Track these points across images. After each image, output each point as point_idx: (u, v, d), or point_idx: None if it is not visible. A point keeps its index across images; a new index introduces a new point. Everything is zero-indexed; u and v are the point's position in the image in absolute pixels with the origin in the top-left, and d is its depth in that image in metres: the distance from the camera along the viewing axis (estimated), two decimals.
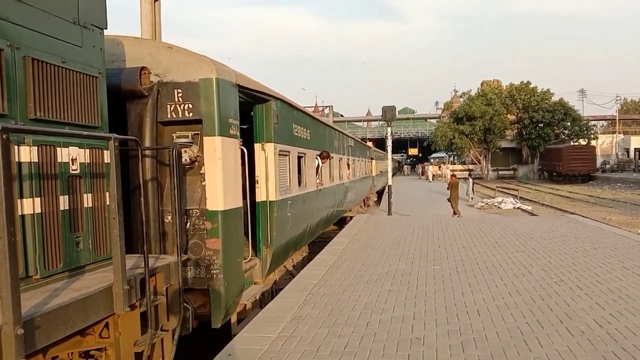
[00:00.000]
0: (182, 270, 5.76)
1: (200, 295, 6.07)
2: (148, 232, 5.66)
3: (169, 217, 5.79)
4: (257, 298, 7.58)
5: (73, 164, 4.27)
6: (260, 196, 7.72)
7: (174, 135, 6.01)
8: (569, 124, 65.19)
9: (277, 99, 8.19)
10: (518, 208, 28.15)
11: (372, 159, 29.88)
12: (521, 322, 5.99)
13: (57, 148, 4.08)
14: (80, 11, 4.46)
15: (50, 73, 4.08)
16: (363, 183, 24.15)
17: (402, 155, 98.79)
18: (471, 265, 9.26)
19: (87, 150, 4.45)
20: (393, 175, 28.23)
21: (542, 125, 64.38)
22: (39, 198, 3.87)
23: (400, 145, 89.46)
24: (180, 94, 5.87)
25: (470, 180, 34.31)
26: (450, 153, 71.97)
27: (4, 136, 2.84)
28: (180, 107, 5.88)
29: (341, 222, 17.26)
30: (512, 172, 68.82)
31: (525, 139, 66.08)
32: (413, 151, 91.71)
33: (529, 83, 66.31)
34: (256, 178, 7.73)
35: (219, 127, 5.90)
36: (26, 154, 3.78)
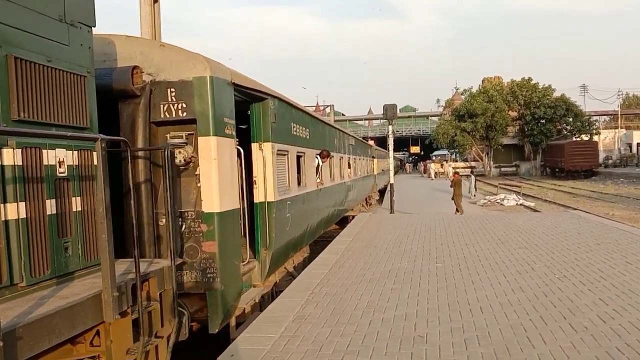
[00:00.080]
0: (177, 274, 5.60)
1: (197, 299, 5.94)
2: (142, 235, 5.55)
3: (164, 220, 5.65)
4: (257, 301, 7.44)
5: (60, 167, 4.13)
6: (258, 197, 7.57)
7: (168, 135, 5.88)
8: (570, 119, 65.03)
9: (275, 97, 8.05)
10: (521, 205, 28.09)
11: (373, 157, 29.82)
12: (524, 319, 5.96)
13: (43, 150, 3.94)
14: (67, 8, 4.31)
15: (34, 72, 3.94)
16: (365, 182, 24.07)
17: (403, 154, 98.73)
18: (474, 263, 9.22)
19: (76, 152, 4.31)
20: (395, 174, 28.24)
21: (544, 121, 64.25)
22: (24, 202, 3.73)
23: (401, 143, 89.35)
24: (173, 93, 5.73)
25: (473, 177, 34.28)
26: (452, 150, 71.88)
27: None
28: (173, 106, 5.74)
29: (343, 222, 17.22)
30: (514, 168, 68.66)
31: (527, 135, 65.93)
32: (415, 149, 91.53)
33: (530, 79, 66.15)
34: (254, 178, 7.59)
35: (213, 127, 5.76)
36: (9, 156, 3.64)
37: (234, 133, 6.39)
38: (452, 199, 21.89)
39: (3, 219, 3.55)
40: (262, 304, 7.72)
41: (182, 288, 5.75)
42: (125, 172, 5.48)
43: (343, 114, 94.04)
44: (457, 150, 69.02)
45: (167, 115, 5.76)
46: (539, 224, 14.30)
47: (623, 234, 11.86)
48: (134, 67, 5.63)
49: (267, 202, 7.60)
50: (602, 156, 65.28)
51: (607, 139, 74.44)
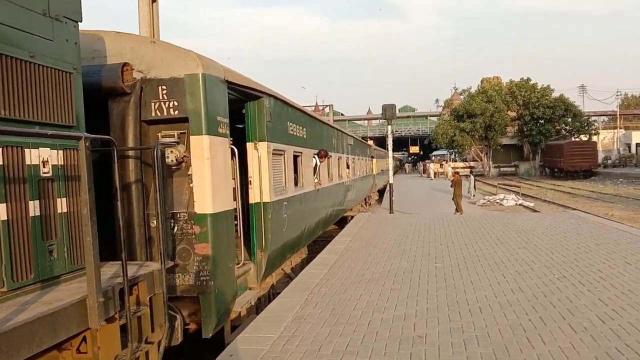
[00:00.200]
0: (169, 277, 5.46)
1: (191, 302, 5.80)
2: (132, 237, 5.43)
3: (155, 222, 5.49)
4: (253, 304, 7.28)
5: (44, 167, 3.96)
6: (253, 198, 7.41)
7: (159, 134, 5.73)
8: (569, 119, 65.01)
9: (270, 95, 7.89)
10: (520, 205, 28.08)
11: (372, 157, 29.77)
12: (524, 319, 5.95)
13: (26, 149, 3.77)
14: (51, 2, 4.14)
15: (16, 68, 3.77)
16: (363, 182, 24.01)
17: (403, 154, 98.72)
18: (473, 263, 9.21)
19: (61, 152, 4.14)
20: (394, 174, 28.22)
21: (542, 121, 64.23)
22: (5, 204, 3.56)
23: (401, 143, 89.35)
24: (164, 91, 5.57)
25: (472, 177, 34.27)
26: (452, 150, 71.86)
27: None
28: (165, 104, 5.59)
29: (342, 222, 17.20)
30: (513, 168, 68.66)
31: (526, 135, 65.92)
32: (414, 149, 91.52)
33: (529, 79, 66.11)
34: (249, 179, 7.45)
35: (206, 126, 5.60)
36: None
37: (228, 132, 6.26)
38: (453, 199, 21.88)
39: None
40: (258, 307, 7.59)
41: (175, 291, 5.62)
42: (113, 172, 5.33)
43: (342, 114, 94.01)
44: (456, 150, 69.00)
45: (159, 114, 5.61)
46: (538, 224, 14.33)
47: (622, 234, 11.85)
48: (124, 64, 5.49)
49: (263, 202, 7.46)
50: (601, 156, 65.32)
51: (606, 139, 74.47)
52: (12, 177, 3.66)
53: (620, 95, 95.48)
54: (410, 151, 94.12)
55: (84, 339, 3.93)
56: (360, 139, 28.13)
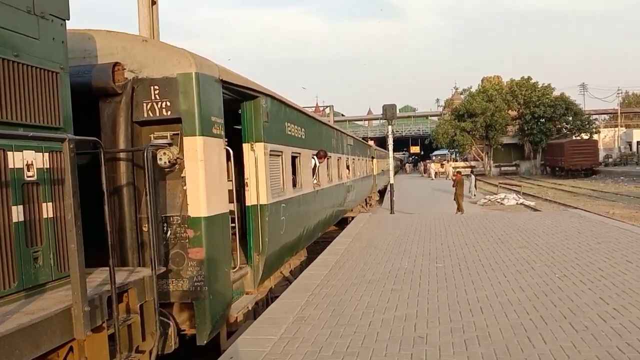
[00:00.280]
0: (163, 282, 5.33)
1: (185, 308, 5.65)
2: (124, 242, 5.31)
3: (147, 226, 5.30)
4: (250, 309, 7.12)
5: (29, 170, 3.80)
6: (250, 200, 7.25)
7: (152, 136, 5.57)
8: (570, 118, 64.96)
9: (267, 95, 7.73)
10: (521, 204, 28.04)
11: (373, 157, 29.75)
12: (525, 319, 5.94)
13: (8, 152, 3.61)
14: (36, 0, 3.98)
15: None
16: (364, 182, 23.96)
17: (403, 154, 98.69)
18: (474, 262, 9.20)
19: (46, 154, 3.98)
20: (395, 174, 28.21)
21: (543, 120, 64.16)
22: None
23: (401, 143, 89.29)
24: (157, 91, 5.42)
25: (473, 176, 34.23)
26: (452, 150, 71.84)
27: None
28: (157, 105, 5.43)
29: (343, 223, 17.18)
30: (514, 168, 68.59)
31: (527, 134, 65.86)
32: (415, 149, 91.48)
33: (529, 78, 66.07)
34: (245, 180, 7.29)
35: (200, 126, 5.44)
36: None
37: (223, 133, 6.10)
38: (454, 198, 21.85)
39: None
40: (256, 311, 7.46)
41: (168, 297, 5.48)
42: (109, 175, 5.19)
43: (343, 115, 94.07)
44: (457, 150, 68.97)
45: (151, 114, 5.46)
46: (539, 223, 14.33)
47: (623, 233, 11.83)
48: (115, 64, 5.36)
49: (260, 205, 7.30)
50: (602, 155, 65.20)
51: (607, 138, 74.35)
52: None
53: (621, 93, 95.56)
54: (411, 151, 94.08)
55: (72, 349, 3.77)
56: (360, 139, 28.12)
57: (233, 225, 7.83)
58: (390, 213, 20.63)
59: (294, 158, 9.72)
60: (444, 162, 65.92)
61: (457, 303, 6.68)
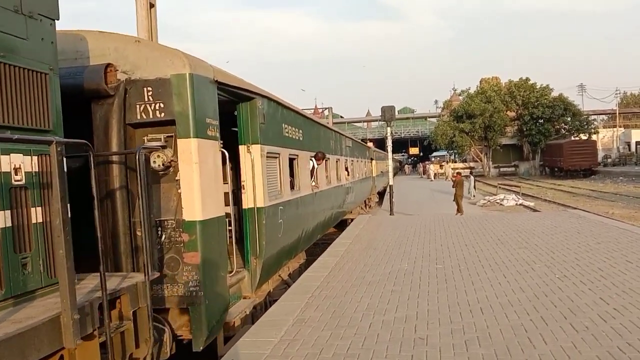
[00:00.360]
0: (157, 288, 5.24)
1: (181, 314, 5.55)
2: (117, 247, 5.21)
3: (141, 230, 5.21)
4: (248, 313, 7.00)
5: (16, 174, 3.69)
6: (246, 203, 7.13)
7: (145, 138, 5.47)
8: (569, 119, 64.99)
9: (263, 96, 7.63)
10: (520, 204, 28.03)
11: (372, 159, 29.74)
12: (525, 319, 5.93)
13: None
14: None
15: None
16: (363, 184, 23.93)
17: (402, 155, 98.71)
18: (474, 263, 9.19)
19: (35, 158, 3.86)
20: (394, 175, 28.22)
21: (542, 121, 64.19)
22: None
23: (400, 144, 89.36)
24: (150, 93, 5.32)
25: (472, 177, 34.24)
26: (451, 151, 71.88)
27: None
28: (150, 106, 5.32)
29: (342, 225, 17.17)
30: (513, 168, 68.62)
31: (526, 135, 65.90)
32: (414, 150, 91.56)
33: (527, 79, 66.11)
34: (242, 183, 7.18)
35: (194, 128, 5.34)
36: None
37: (218, 135, 6.01)
38: (454, 199, 21.84)
39: None
40: (254, 315, 7.37)
41: (163, 303, 5.38)
42: (101, 179, 5.12)
43: (341, 116, 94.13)
44: (456, 151, 69.01)
45: (144, 116, 5.36)
46: (539, 223, 14.35)
47: (623, 233, 11.83)
48: (108, 65, 5.27)
49: (257, 208, 7.19)
50: (600, 155, 65.24)
51: (605, 138, 74.41)
52: None
53: (620, 93, 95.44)
54: (410, 152, 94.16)
55: (62, 357, 3.67)
56: (359, 140, 28.13)
57: (230, 228, 7.71)
58: (390, 214, 20.63)
59: (291, 160, 9.62)
60: (443, 164, 65.91)
61: (457, 304, 6.67)
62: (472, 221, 15.73)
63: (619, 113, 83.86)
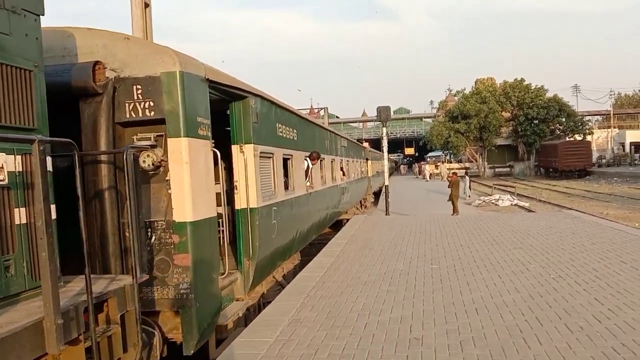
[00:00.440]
0: (147, 290, 5.15)
1: (172, 316, 5.43)
2: (106, 248, 5.10)
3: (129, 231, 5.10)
4: (241, 315, 6.90)
5: None
6: (239, 203, 7.01)
7: (135, 137, 5.35)
8: (563, 119, 65.24)
9: (256, 95, 7.51)
10: (515, 205, 28.09)
11: (367, 159, 29.76)
12: (520, 320, 5.93)
13: None
14: None
15: None
16: (358, 184, 23.91)
17: (398, 155, 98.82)
18: (469, 264, 9.20)
19: (19, 157, 3.75)
20: (390, 175, 28.23)
21: (537, 121, 64.38)
22: None
23: (396, 145, 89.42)
24: (139, 91, 5.21)
25: (467, 178, 34.31)
26: (447, 152, 72.03)
27: None
28: (140, 105, 5.21)
29: (338, 225, 17.16)
30: (508, 169, 68.79)
31: (521, 135, 66.09)
32: (409, 151, 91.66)
33: (522, 80, 66.32)
34: (234, 183, 7.07)
35: (185, 127, 5.22)
36: None
37: (210, 134, 5.88)
38: (449, 199, 21.86)
39: None
40: (247, 318, 7.27)
41: (153, 305, 5.27)
42: (89, 178, 5.04)
43: (337, 117, 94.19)
44: (451, 151, 69.14)
45: (133, 115, 5.24)
46: (534, 224, 14.41)
47: (617, 233, 11.87)
48: (96, 63, 5.15)
49: (250, 208, 7.07)
50: (595, 156, 65.51)
51: (600, 139, 74.78)
52: None
53: (614, 94, 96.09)
54: (406, 153, 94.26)
55: None
56: (354, 141, 28.13)
57: (224, 229, 7.63)
58: (386, 214, 20.66)
59: (285, 160, 9.52)
60: (438, 164, 66.02)
61: (452, 304, 6.67)
62: (468, 221, 15.77)
63: (613, 114, 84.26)
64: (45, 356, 3.47)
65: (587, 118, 74.94)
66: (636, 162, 66.58)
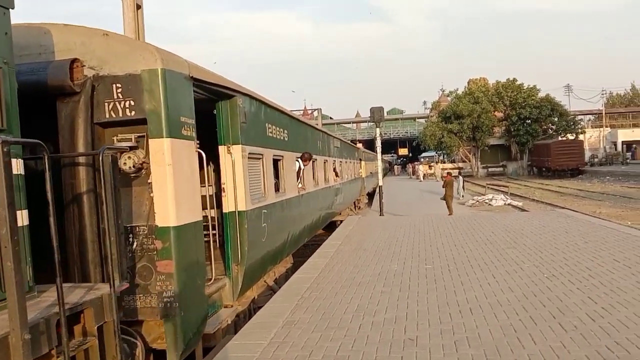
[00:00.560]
0: (129, 299, 4.93)
1: (156, 326, 5.20)
2: (85, 255, 4.86)
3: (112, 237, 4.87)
4: (230, 322, 6.69)
5: None
6: (227, 206, 6.79)
7: (115, 138, 5.13)
8: (556, 119, 65.56)
9: (244, 94, 7.29)
10: (509, 204, 28.19)
11: (361, 160, 29.76)
12: (514, 319, 5.92)
13: None
14: None
15: None
16: (352, 185, 23.82)
17: (392, 156, 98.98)
18: (463, 264, 9.18)
19: None
20: (384, 176, 28.24)
21: (529, 121, 64.67)
22: None
23: (390, 145, 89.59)
24: (119, 89, 4.98)
25: (461, 178, 34.40)
26: (440, 152, 72.22)
27: None
28: (120, 104, 4.98)
29: (331, 227, 17.12)
30: (501, 168, 69.07)
31: (514, 135, 66.35)
32: (403, 151, 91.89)
33: (515, 80, 66.58)
34: (222, 186, 6.86)
35: (167, 127, 4.98)
36: None
37: (194, 134, 5.64)
38: (443, 198, 21.89)
39: None
40: (237, 324, 7.05)
41: (136, 315, 5.04)
42: (67, 182, 4.84)
43: (331, 117, 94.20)
44: (444, 151, 69.33)
45: (113, 115, 5.01)
46: (527, 223, 14.48)
47: (610, 232, 11.90)
48: (74, 60, 4.91)
49: (238, 211, 6.85)
50: (587, 155, 65.90)
51: (592, 138, 75.23)
52: None
53: (606, 94, 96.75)
54: (399, 153, 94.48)
55: None
56: (348, 141, 28.11)
57: (214, 232, 7.46)
58: (380, 215, 20.67)
59: (276, 161, 9.32)
60: (432, 164, 66.18)
61: (446, 304, 6.65)
62: (461, 221, 15.80)
63: (605, 113, 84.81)
64: None
65: (580, 117, 75.45)
66: (628, 160, 67.03)
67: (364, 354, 5.08)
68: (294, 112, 14.28)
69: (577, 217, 15.94)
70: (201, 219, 5.80)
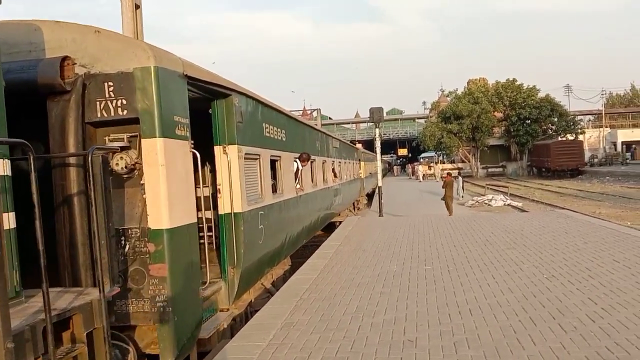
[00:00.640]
0: (121, 303, 4.82)
1: (149, 331, 5.09)
2: (75, 258, 4.73)
3: (103, 240, 4.69)
4: (226, 326, 6.57)
5: None
6: (222, 208, 6.67)
7: (107, 138, 5.01)
8: (555, 119, 65.59)
9: (241, 93, 7.17)
10: (508, 205, 28.19)
11: (360, 160, 29.73)
12: (514, 320, 5.90)
13: None
14: None
15: None
16: (351, 186, 23.74)
17: (391, 156, 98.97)
18: (462, 264, 9.16)
19: None
20: (383, 176, 28.23)
21: (529, 121, 64.68)
22: None
23: (389, 146, 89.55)
24: (111, 88, 4.85)
25: (460, 178, 34.41)
26: (440, 152, 72.22)
27: None
28: (112, 103, 4.86)
29: (330, 228, 17.07)
30: (501, 169, 69.05)
31: (513, 135, 66.36)
32: (402, 151, 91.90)
33: (514, 80, 66.60)
34: (218, 187, 6.73)
35: (160, 127, 4.86)
36: None
37: (188, 134, 5.51)
38: (443, 198, 21.85)
39: None
40: (234, 328, 6.93)
41: (128, 320, 4.92)
42: (57, 183, 4.73)
43: (330, 118, 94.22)
44: (444, 152, 69.33)
45: (105, 114, 4.88)
46: (527, 223, 14.46)
47: (610, 232, 11.87)
48: (64, 58, 4.79)
49: (234, 213, 6.71)
50: (587, 155, 65.88)
51: (592, 138, 75.24)
52: None
53: (605, 94, 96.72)
54: (399, 154, 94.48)
55: None
56: (347, 142, 28.09)
57: (210, 234, 7.33)
58: (379, 216, 20.66)
59: (273, 162, 9.18)
60: (431, 165, 66.19)
61: (446, 305, 6.62)
62: (461, 222, 15.78)
63: (605, 113, 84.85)
64: None
65: (579, 118, 75.42)
66: (628, 161, 67.05)
67: (363, 356, 5.06)
68: (293, 112, 14.24)
69: (577, 217, 15.93)
70: (196, 221, 5.68)
